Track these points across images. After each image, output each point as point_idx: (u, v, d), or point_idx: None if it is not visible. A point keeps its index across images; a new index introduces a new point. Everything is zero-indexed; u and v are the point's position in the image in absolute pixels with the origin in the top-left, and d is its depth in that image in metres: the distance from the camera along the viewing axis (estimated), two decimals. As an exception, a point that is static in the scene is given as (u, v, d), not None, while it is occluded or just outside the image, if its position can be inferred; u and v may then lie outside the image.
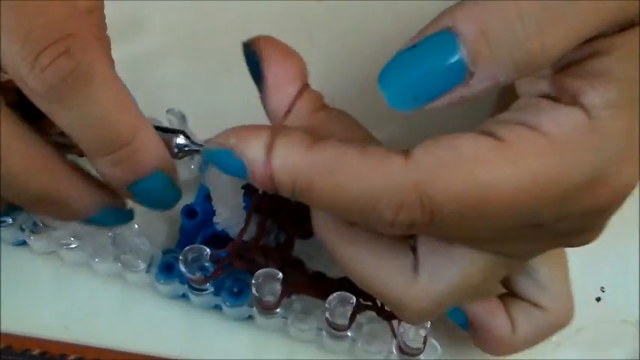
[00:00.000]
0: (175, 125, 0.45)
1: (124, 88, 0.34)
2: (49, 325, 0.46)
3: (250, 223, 0.42)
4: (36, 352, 0.45)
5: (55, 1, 0.32)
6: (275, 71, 0.33)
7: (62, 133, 0.34)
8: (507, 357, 0.45)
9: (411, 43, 0.29)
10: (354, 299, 0.41)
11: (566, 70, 0.30)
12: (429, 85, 0.28)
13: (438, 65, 0.28)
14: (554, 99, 0.31)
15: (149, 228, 0.46)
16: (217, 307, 0.46)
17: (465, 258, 0.33)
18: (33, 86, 0.32)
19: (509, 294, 0.43)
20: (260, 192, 0.41)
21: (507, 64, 0.28)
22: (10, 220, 0.45)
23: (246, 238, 0.42)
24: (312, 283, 0.44)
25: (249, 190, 0.41)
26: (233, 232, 0.43)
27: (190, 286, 0.44)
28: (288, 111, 0.33)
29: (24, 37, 0.31)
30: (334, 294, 0.42)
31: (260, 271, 0.42)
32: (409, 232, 0.32)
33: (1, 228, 0.45)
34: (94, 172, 0.36)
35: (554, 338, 0.47)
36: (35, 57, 0.31)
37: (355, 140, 0.33)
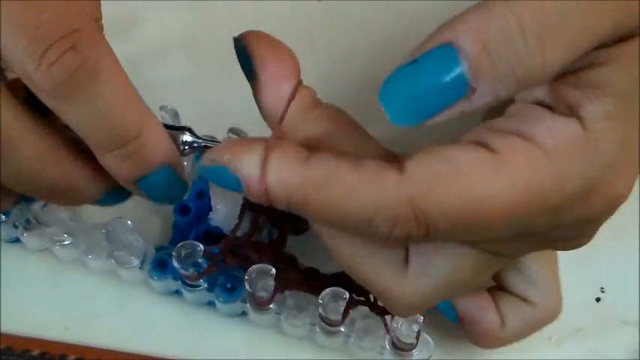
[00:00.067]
0: (168, 122, 0.45)
1: (130, 83, 0.34)
2: (49, 326, 0.46)
3: (243, 219, 0.42)
4: (36, 352, 0.45)
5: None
6: (267, 68, 0.33)
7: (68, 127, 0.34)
8: (507, 357, 0.46)
9: (411, 57, 0.28)
10: (347, 295, 0.41)
11: (563, 80, 0.30)
12: (430, 100, 0.28)
13: (440, 81, 0.28)
14: (550, 107, 0.30)
15: (142, 225, 0.46)
16: (211, 304, 0.46)
17: (455, 254, 0.33)
18: (40, 83, 0.32)
19: (499, 288, 0.43)
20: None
21: (509, 79, 0.27)
22: (3, 218, 0.45)
23: (239, 234, 0.42)
24: (305, 279, 0.44)
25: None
26: (228, 228, 0.43)
27: (184, 283, 0.44)
28: (283, 117, 0.33)
29: (30, 34, 0.31)
30: (327, 289, 0.42)
31: (253, 267, 0.42)
32: (405, 245, 0.33)
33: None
34: None
35: (554, 338, 0.47)
36: (41, 54, 0.31)
37: (350, 138, 0.33)
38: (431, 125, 0.29)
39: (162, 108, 0.45)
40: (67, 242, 0.45)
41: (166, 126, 0.36)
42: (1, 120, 0.33)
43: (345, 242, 0.34)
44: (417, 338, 0.42)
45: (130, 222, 0.44)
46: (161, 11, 0.54)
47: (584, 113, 0.30)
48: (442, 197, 0.29)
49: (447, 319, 0.43)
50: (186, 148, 0.38)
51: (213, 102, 0.52)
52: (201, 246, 0.43)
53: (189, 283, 0.44)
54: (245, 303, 0.44)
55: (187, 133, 0.38)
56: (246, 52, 0.33)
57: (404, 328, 0.42)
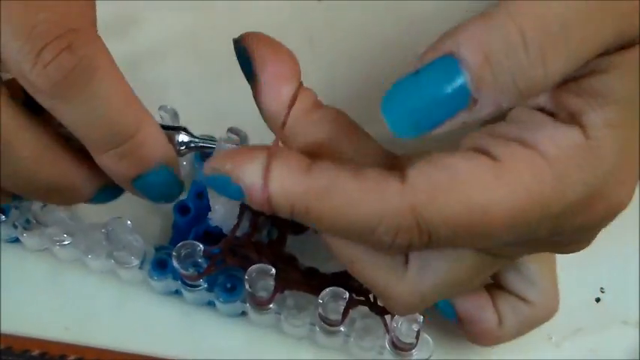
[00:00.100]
0: (168, 122, 0.45)
1: (126, 82, 0.34)
2: (49, 326, 0.46)
3: (243, 219, 0.42)
4: (36, 352, 0.45)
5: None
6: (267, 70, 0.33)
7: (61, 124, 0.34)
8: (507, 357, 0.46)
9: (413, 68, 0.28)
10: (347, 295, 0.41)
11: (565, 87, 0.30)
12: (431, 112, 0.28)
13: (442, 92, 0.27)
14: (551, 114, 0.30)
15: (142, 224, 0.46)
16: (211, 304, 0.46)
17: (454, 255, 0.33)
18: (36, 83, 0.32)
19: (498, 287, 0.43)
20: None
21: (510, 90, 0.27)
22: (3, 218, 0.45)
23: (238, 234, 0.42)
24: (305, 279, 0.44)
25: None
26: (227, 228, 0.43)
27: (183, 283, 0.44)
28: (285, 122, 0.33)
29: (26, 34, 0.31)
30: (327, 289, 0.42)
31: (253, 267, 0.42)
32: (407, 252, 0.33)
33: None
34: None
35: (554, 338, 0.47)
36: (37, 53, 0.31)
37: (351, 140, 0.33)
38: (432, 136, 0.29)
39: (161, 108, 0.45)
40: (66, 242, 0.45)
41: (162, 126, 0.36)
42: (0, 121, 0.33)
43: (346, 243, 0.34)
44: (417, 338, 0.42)
45: (129, 222, 0.44)
46: (161, 11, 0.54)
47: (586, 121, 0.30)
48: (444, 206, 0.29)
49: (445, 317, 0.43)
50: (183, 147, 0.38)
51: (213, 102, 0.52)
52: (201, 246, 0.43)
53: (189, 283, 0.44)
54: (245, 303, 0.44)
55: (183, 133, 0.38)
56: (245, 53, 0.33)
57: (404, 327, 0.42)
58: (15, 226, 0.45)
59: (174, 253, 0.42)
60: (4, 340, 0.45)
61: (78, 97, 0.32)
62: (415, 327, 0.41)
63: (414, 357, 0.43)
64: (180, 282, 0.44)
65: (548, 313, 0.43)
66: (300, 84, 0.33)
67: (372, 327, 0.43)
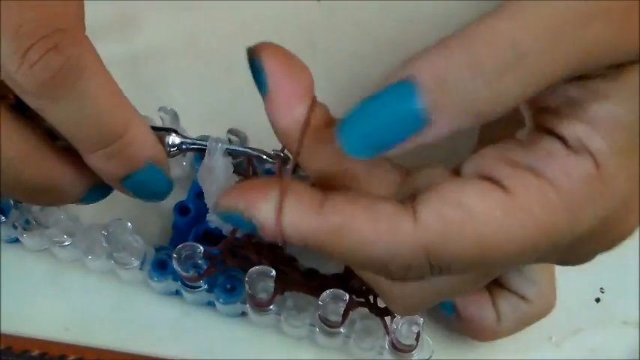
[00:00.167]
0: (167, 123, 0.45)
1: (114, 82, 0.34)
2: (48, 326, 0.46)
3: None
4: (35, 352, 0.45)
5: None
6: (281, 86, 0.32)
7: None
8: (507, 357, 0.46)
9: (373, 92, 0.29)
10: (347, 296, 0.41)
11: (572, 114, 0.30)
12: (388, 133, 0.28)
13: (397, 114, 0.28)
14: (563, 140, 0.30)
15: (142, 225, 0.46)
16: (211, 304, 0.46)
17: None
18: (22, 83, 0.31)
19: (497, 284, 0.43)
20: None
21: (464, 112, 0.28)
22: (2, 218, 0.45)
23: (238, 235, 0.42)
24: (305, 280, 0.44)
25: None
26: (226, 229, 0.42)
27: (183, 283, 0.44)
28: (299, 152, 0.32)
29: (12, 34, 0.31)
30: (327, 291, 0.42)
31: (253, 268, 0.42)
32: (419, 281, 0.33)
33: (-2, 225, 0.45)
34: None
35: (554, 338, 0.47)
36: (23, 53, 0.31)
37: (363, 162, 0.32)
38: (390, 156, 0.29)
39: (161, 109, 0.45)
40: (66, 243, 0.45)
41: (152, 127, 0.36)
42: None
43: None
44: (417, 339, 0.42)
45: (129, 223, 0.44)
46: (161, 11, 0.54)
47: (595, 149, 0.30)
48: (456, 245, 0.29)
49: (444, 312, 0.44)
50: (174, 149, 0.38)
51: (213, 102, 0.52)
52: (201, 247, 0.43)
53: (189, 284, 0.44)
54: (245, 304, 0.44)
55: (173, 134, 0.38)
56: (259, 65, 0.32)
57: (404, 329, 0.42)
58: (15, 227, 0.45)
59: (174, 255, 0.42)
60: (4, 340, 0.45)
61: (65, 98, 0.32)
62: (415, 329, 0.41)
63: (414, 358, 0.43)
64: (180, 283, 0.44)
65: (545, 310, 0.44)
66: (314, 99, 0.33)
67: (372, 328, 0.43)
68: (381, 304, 0.43)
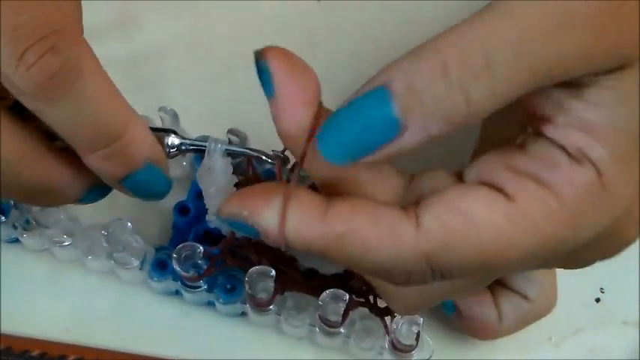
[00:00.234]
0: (168, 123, 0.45)
1: (112, 83, 0.34)
2: (48, 326, 0.46)
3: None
4: (35, 352, 0.45)
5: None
6: (289, 92, 0.32)
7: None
8: (507, 357, 0.46)
9: (349, 99, 0.29)
10: (346, 296, 0.41)
11: (577, 123, 0.30)
12: (364, 140, 0.28)
13: (372, 121, 0.28)
14: (562, 147, 0.30)
15: (142, 225, 0.46)
16: (210, 304, 0.46)
17: None
18: (20, 85, 0.31)
19: (498, 283, 0.43)
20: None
21: (437, 118, 0.28)
22: (2, 218, 0.45)
23: (238, 235, 0.42)
24: (305, 280, 0.44)
25: (241, 187, 0.41)
26: (226, 229, 0.42)
27: (183, 283, 0.44)
28: (303, 158, 0.32)
29: (9, 35, 0.30)
30: (327, 291, 0.42)
31: (253, 268, 0.42)
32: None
33: (-2, 225, 0.45)
34: None
35: (554, 338, 0.47)
36: (20, 55, 0.30)
37: (367, 168, 0.32)
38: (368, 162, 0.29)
39: (161, 109, 0.45)
40: (66, 243, 0.45)
41: (151, 128, 0.36)
42: None
43: None
44: (417, 339, 0.42)
45: (129, 224, 0.44)
46: (161, 11, 0.54)
47: (596, 158, 0.30)
48: (458, 253, 0.30)
49: (445, 310, 0.44)
50: (173, 150, 0.38)
51: (213, 102, 0.52)
52: (201, 247, 0.43)
53: (189, 284, 0.44)
54: (245, 304, 0.44)
55: (172, 135, 0.38)
56: (266, 70, 0.32)
57: (404, 329, 0.42)
58: (15, 227, 0.45)
59: (174, 255, 0.42)
60: (4, 340, 0.45)
61: (63, 99, 0.32)
62: (415, 329, 0.41)
63: (414, 358, 0.43)
64: (180, 283, 0.44)
65: (546, 309, 0.44)
66: (320, 105, 0.32)
67: (372, 328, 0.43)
68: (381, 304, 0.43)
